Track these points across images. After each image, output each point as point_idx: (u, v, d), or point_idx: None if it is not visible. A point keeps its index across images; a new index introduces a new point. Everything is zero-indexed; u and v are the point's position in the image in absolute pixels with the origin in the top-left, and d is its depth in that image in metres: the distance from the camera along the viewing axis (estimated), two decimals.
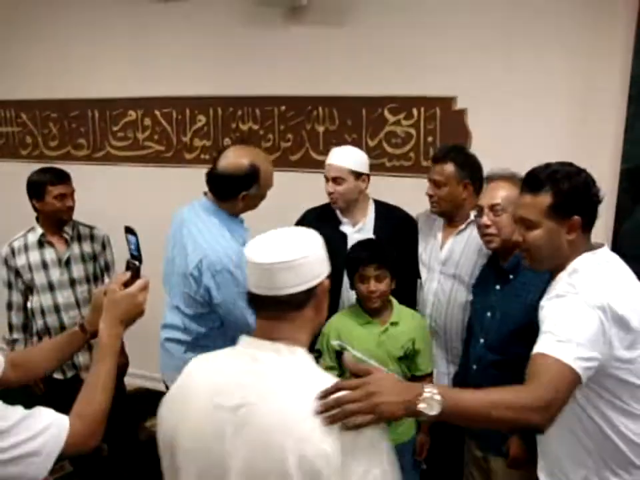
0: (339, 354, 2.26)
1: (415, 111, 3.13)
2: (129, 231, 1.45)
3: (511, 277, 2.09)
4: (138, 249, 1.43)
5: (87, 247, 2.77)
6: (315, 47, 3.26)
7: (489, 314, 2.12)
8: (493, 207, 2.07)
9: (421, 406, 1.16)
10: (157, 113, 3.71)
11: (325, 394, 1.09)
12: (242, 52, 3.42)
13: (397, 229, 2.57)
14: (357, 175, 2.52)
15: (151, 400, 3.79)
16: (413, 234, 2.62)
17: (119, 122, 3.80)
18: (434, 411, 1.16)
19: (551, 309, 1.51)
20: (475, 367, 2.17)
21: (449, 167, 2.40)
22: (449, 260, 2.47)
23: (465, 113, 3.03)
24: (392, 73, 3.12)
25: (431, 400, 1.16)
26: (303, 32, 3.28)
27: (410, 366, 2.29)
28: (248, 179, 2.13)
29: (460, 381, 2.30)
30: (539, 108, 2.88)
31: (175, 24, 3.53)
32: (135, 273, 1.42)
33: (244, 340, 1.26)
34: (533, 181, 1.61)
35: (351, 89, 3.21)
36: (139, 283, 1.40)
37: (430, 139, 3.12)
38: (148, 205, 3.77)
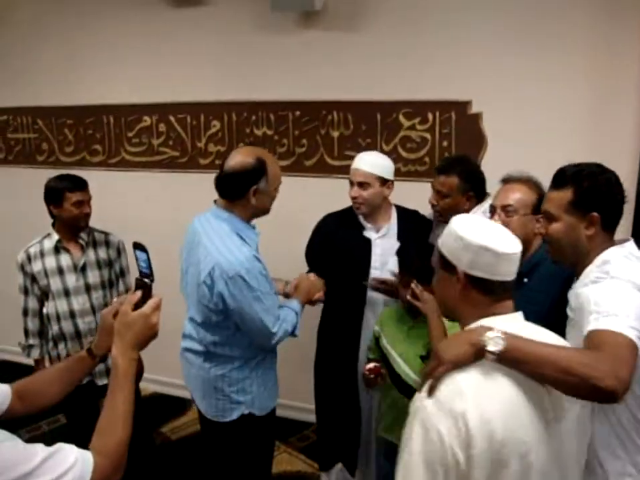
0: (377, 339, 2.43)
1: (429, 115, 3.12)
2: (138, 247, 1.38)
3: (525, 280, 2.09)
4: (149, 265, 1.37)
5: (102, 253, 2.78)
6: (329, 51, 3.26)
7: None
8: (505, 208, 2.11)
9: (486, 342, 1.24)
10: (172, 118, 3.72)
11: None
12: (256, 57, 3.42)
13: (418, 233, 2.61)
14: (383, 181, 2.53)
15: (166, 405, 3.86)
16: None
17: (133, 128, 3.82)
18: (499, 346, 1.24)
19: (588, 293, 1.54)
20: None
21: (453, 180, 2.43)
22: None
23: (480, 116, 3.02)
24: (406, 77, 3.11)
25: (495, 338, 1.25)
26: (317, 37, 3.28)
27: None
28: (256, 172, 2.09)
29: None
30: (555, 110, 2.86)
31: (189, 30, 3.54)
32: (147, 292, 1.36)
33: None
34: (559, 178, 1.71)
35: (365, 94, 3.21)
36: (151, 303, 1.34)
37: (445, 143, 3.10)
38: (163, 211, 3.80)
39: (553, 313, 1.71)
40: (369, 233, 2.61)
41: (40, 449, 1.12)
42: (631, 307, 1.45)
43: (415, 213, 2.71)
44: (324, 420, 2.85)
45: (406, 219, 2.65)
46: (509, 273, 1.35)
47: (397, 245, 2.58)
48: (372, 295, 2.58)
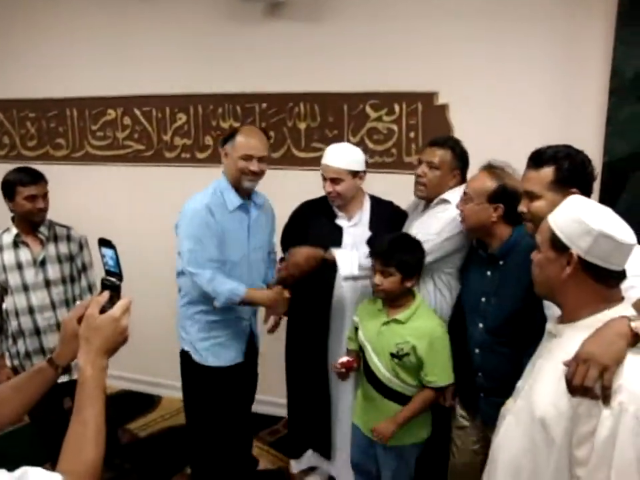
0: (356, 329, 2.45)
1: (396, 107, 3.11)
2: (104, 243, 1.25)
3: (501, 262, 2.16)
4: (117, 263, 1.24)
5: (63, 248, 2.72)
6: (295, 43, 3.23)
7: (483, 299, 2.19)
8: (465, 194, 2.20)
9: (635, 326, 1.25)
10: (137, 111, 3.65)
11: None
12: (222, 49, 3.38)
13: (391, 223, 2.61)
14: (355, 174, 2.55)
15: (134, 402, 3.80)
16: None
17: (98, 121, 3.74)
18: None
19: None
20: (477, 350, 2.24)
21: (447, 153, 2.45)
22: None
23: (446, 107, 3.02)
24: (373, 68, 3.10)
25: (638, 321, 1.26)
26: (283, 28, 3.25)
27: (418, 373, 2.27)
28: (228, 137, 2.53)
29: (462, 365, 2.32)
30: (521, 102, 2.88)
31: (154, 20, 3.48)
32: (115, 293, 1.23)
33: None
34: (537, 158, 1.84)
35: (332, 85, 3.19)
36: (121, 304, 1.21)
37: (412, 134, 3.10)
38: (129, 205, 3.74)
39: (529, 294, 1.73)
40: (341, 221, 2.64)
41: (4, 476, 0.99)
42: None
43: (389, 203, 2.70)
44: (294, 408, 2.87)
45: (379, 209, 2.66)
46: (622, 263, 1.34)
47: (368, 234, 2.59)
48: (340, 283, 2.59)
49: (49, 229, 2.70)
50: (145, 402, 3.87)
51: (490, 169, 2.20)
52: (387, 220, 2.62)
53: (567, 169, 1.79)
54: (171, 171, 3.63)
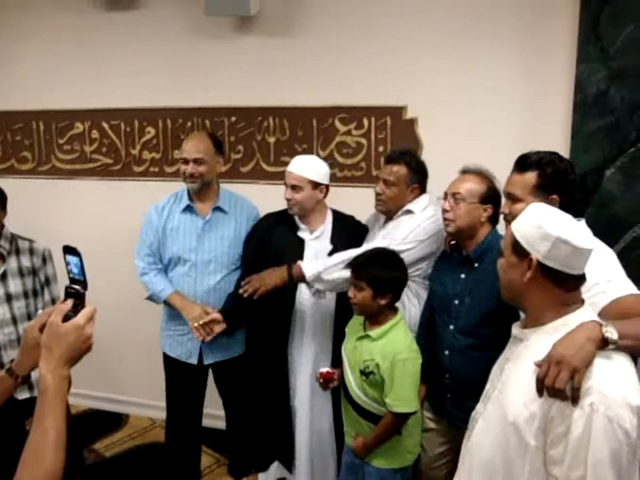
0: None
1: (365, 121, 3.12)
2: (69, 250, 1.23)
3: (476, 265, 2.21)
4: (82, 271, 1.22)
5: (25, 261, 2.65)
6: (264, 57, 3.23)
7: (456, 301, 2.23)
8: (454, 195, 2.23)
9: (605, 331, 1.31)
10: (105, 125, 3.61)
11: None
12: (191, 62, 3.37)
13: (352, 238, 2.63)
14: (315, 185, 2.59)
15: (100, 421, 3.71)
16: None
17: (65, 134, 3.69)
18: (615, 334, 1.31)
19: None
20: (447, 352, 2.27)
21: (402, 169, 2.51)
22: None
23: (415, 121, 3.04)
24: (342, 82, 3.11)
25: (609, 328, 1.31)
26: (252, 42, 3.25)
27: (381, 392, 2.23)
28: None
29: (431, 367, 2.33)
30: (488, 115, 2.91)
31: (122, 34, 3.46)
32: (79, 301, 1.20)
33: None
34: (522, 163, 1.90)
35: (301, 100, 3.19)
36: (85, 312, 1.18)
37: (381, 148, 3.11)
38: (96, 219, 3.68)
39: None
40: (303, 234, 2.67)
41: None
42: (618, 267, 1.67)
43: (351, 218, 2.74)
44: (256, 420, 2.85)
45: (341, 223, 2.70)
46: (581, 267, 1.39)
47: (329, 247, 2.61)
48: (301, 294, 2.61)
49: (11, 243, 2.64)
50: (112, 421, 3.78)
51: (476, 172, 2.27)
52: (349, 234, 2.65)
53: (549, 175, 1.85)
54: (139, 185, 3.59)
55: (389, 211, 2.56)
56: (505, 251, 1.48)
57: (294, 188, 2.56)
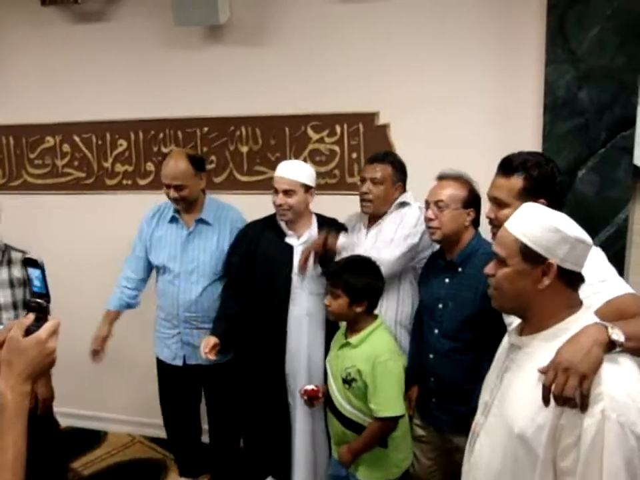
0: None
1: (337, 128, 3.11)
2: (29, 262, 1.21)
3: (460, 269, 2.23)
4: (44, 284, 1.20)
5: (17, 272, 2.62)
6: (235, 66, 3.21)
7: (440, 305, 2.25)
8: (437, 203, 2.23)
9: (612, 334, 1.26)
10: (76, 138, 3.57)
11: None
12: (161, 73, 3.34)
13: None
14: (307, 188, 2.62)
15: (78, 439, 3.65)
16: None
17: (35, 149, 3.64)
18: (622, 337, 1.26)
19: None
20: (432, 355, 2.28)
21: (387, 168, 2.56)
22: (373, 248, 2.53)
23: (387, 127, 3.03)
24: (313, 90, 3.10)
25: (616, 330, 1.27)
26: (222, 51, 3.23)
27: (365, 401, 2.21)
28: None
29: (415, 370, 2.35)
30: (460, 119, 2.91)
31: (91, 47, 3.42)
32: (42, 314, 1.16)
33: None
34: (507, 166, 1.84)
35: (273, 108, 3.17)
36: (48, 326, 1.14)
37: (354, 155, 3.10)
38: (69, 234, 3.63)
39: (485, 300, 1.76)
40: (291, 240, 2.67)
41: None
42: (610, 266, 1.67)
43: (334, 220, 2.76)
44: (251, 437, 2.84)
45: (325, 226, 2.68)
46: (584, 263, 1.37)
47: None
48: (295, 305, 2.62)
49: (3, 253, 2.63)
50: (90, 438, 3.71)
51: (452, 176, 2.28)
52: None
53: (536, 179, 1.79)
54: (112, 198, 3.54)
55: (376, 210, 2.57)
56: (509, 260, 1.36)
57: (286, 193, 2.56)
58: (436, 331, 2.26)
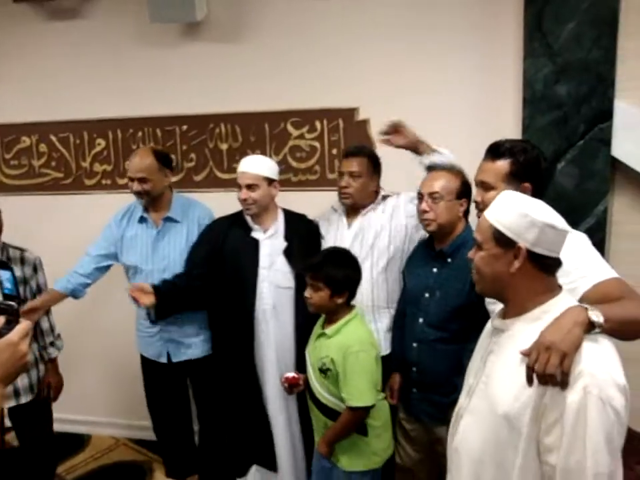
0: None
1: (317, 124, 3.10)
2: (0, 265, 1.22)
3: (449, 260, 2.25)
4: (15, 286, 1.21)
5: (17, 271, 2.59)
6: (213, 63, 3.18)
7: (426, 294, 2.26)
8: (431, 195, 2.24)
9: (592, 315, 1.32)
10: (53, 138, 3.52)
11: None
12: (138, 71, 3.30)
13: (305, 235, 2.71)
14: (270, 181, 2.63)
15: (61, 443, 3.60)
16: (319, 239, 2.73)
17: (11, 149, 3.58)
18: (601, 318, 1.32)
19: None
20: (415, 344, 2.29)
21: (364, 160, 2.59)
22: (356, 239, 2.58)
23: (367, 122, 3.03)
24: (293, 86, 3.08)
25: (595, 312, 1.33)
26: (200, 48, 3.20)
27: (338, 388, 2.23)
28: None
29: (397, 358, 2.39)
30: (440, 114, 2.90)
31: (66, 44, 3.37)
32: (13, 317, 1.16)
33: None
34: (495, 151, 1.89)
35: (252, 105, 3.15)
36: (19, 329, 1.14)
37: (334, 151, 3.09)
38: (48, 235, 3.56)
39: (474, 291, 1.82)
40: (257, 234, 2.69)
41: None
42: (595, 251, 1.70)
43: (302, 216, 2.78)
44: (231, 426, 2.84)
45: (293, 220, 2.74)
46: (561, 249, 1.41)
47: (284, 244, 2.66)
48: (262, 298, 2.62)
49: (2, 252, 2.61)
50: (73, 442, 3.67)
51: (447, 167, 2.31)
52: (302, 231, 2.72)
53: (522, 163, 1.84)
54: (91, 198, 3.50)
55: (355, 202, 2.60)
56: (484, 244, 1.44)
57: (250, 187, 2.59)
58: (421, 319, 2.27)
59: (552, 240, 1.37)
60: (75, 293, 2.86)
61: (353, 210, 2.64)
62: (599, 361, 1.30)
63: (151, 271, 2.80)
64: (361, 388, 2.17)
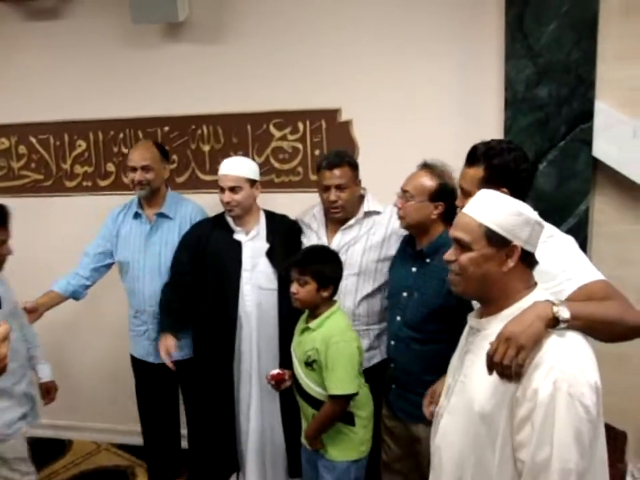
0: None
1: (300, 125, 3.09)
2: None
3: (428, 260, 2.23)
4: None
5: None
6: (195, 64, 3.16)
7: (405, 294, 2.27)
8: (404, 193, 2.24)
9: (556, 310, 1.32)
10: (33, 139, 3.48)
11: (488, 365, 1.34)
12: (120, 72, 3.27)
13: (287, 236, 2.69)
14: (252, 183, 2.64)
15: (40, 450, 3.53)
16: (300, 239, 2.71)
17: None
18: (567, 314, 1.32)
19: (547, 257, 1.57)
20: (393, 342, 2.31)
21: (347, 170, 2.51)
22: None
23: (350, 123, 3.03)
24: (275, 87, 3.07)
25: (561, 307, 1.33)
26: (182, 49, 3.18)
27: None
28: None
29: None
30: (423, 114, 2.92)
31: (45, 44, 3.34)
32: None
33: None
34: (471, 156, 1.84)
35: (234, 106, 3.14)
36: None
37: (317, 152, 3.09)
38: (29, 238, 3.51)
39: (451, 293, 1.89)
40: (239, 236, 2.68)
41: None
42: (581, 254, 1.69)
43: (284, 217, 2.77)
44: (206, 434, 2.83)
45: (274, 221, 2.73)
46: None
47: (266, 246, 2.66)
48: (244, 300, 2.63)
49: None
50: (54, 448, 3.61)
51: (429, 167, 2.26)
52: (283, 232, 2.70)
53: (496, 168, 1.77)
54: (72, 201, 3.47)
55: (347, 214, 2.56)
56: (474, 245, 1.40)
57: (232, 190, 2.58)
58: (398, 318, 2.29)
59: (537, 236, 1.40)
60: (75, 295, 2.86)
61: (334, 222, 2.60)
62: (568, 356, 1.30)
63: (143, 267, 2.83)
64: (342, 377, 2.21)
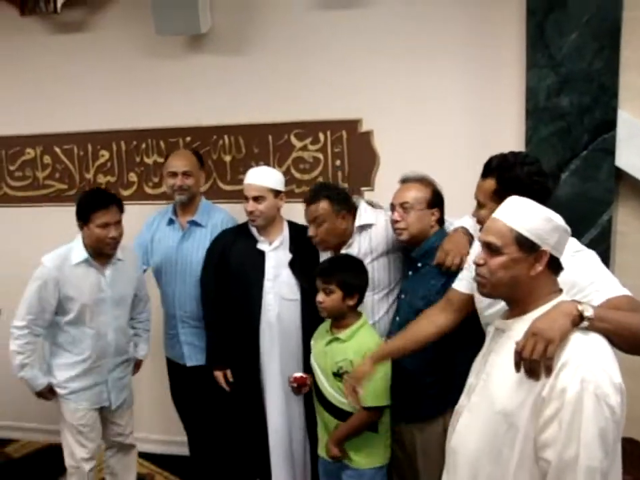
0: None
1: (321, 136, 3.11)
2: None
3: (419, 264, 2.30)
4: None
5: None
6: (217, 75, 3.21)
7: (403, 296, 2.38)
8: (402, 205, 2.28)
9: (582, 309, 1.36)
10: (57, 149, 3.53)
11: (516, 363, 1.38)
12: (143, 83, 3.32)
13: (309, 247, 2.63)
14: (276, 193, 2.65)
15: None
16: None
17: (16, 161, 3.60)
18: (591, 312, 1.36)
19: (578, 269, 1.61)
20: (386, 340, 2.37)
21: (324, 204, 2.46)
22: None
23: (371, 134, 3.04)
24: (296, 98, 3.10)
25: (586, 306, 1.37)
26: (205, 60, 3.22)
27: None
28: None
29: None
30: (443, 125, 2.93)
31: (72, 57, 3.40)
32: None
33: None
34: (486, 168, 1.88)
35: (256, 117, 3.17)
36: None
37: (338, 162, 3.10)
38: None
39: (441, 294, 2.04)
40: (263, 246, 2.68)
41: None
42: (605, 268, 1.69)
43: (306, 227, 2.70)
44: (234, 441, 2.82)
45: (297, 232, 2.72)
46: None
47: (289, 256, 2.65)
48: (267, 310, 2.62)
49: None
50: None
51: (416, 178, 2.34)
52: (307, 243, 2.63)
53: (507, 181, 1.80)
54: None
55: (329, 247, 2.53)
56: (504, 249, 1.43)
57: (256, 199, 2.59)
58: (397, 319, 2.37)
59: (564, 243, 1.44)
60: None
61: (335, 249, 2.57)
62: (593, 356, 1.33)
63: (174, 273, 2.89)
64: (377, 389, 2.22)
